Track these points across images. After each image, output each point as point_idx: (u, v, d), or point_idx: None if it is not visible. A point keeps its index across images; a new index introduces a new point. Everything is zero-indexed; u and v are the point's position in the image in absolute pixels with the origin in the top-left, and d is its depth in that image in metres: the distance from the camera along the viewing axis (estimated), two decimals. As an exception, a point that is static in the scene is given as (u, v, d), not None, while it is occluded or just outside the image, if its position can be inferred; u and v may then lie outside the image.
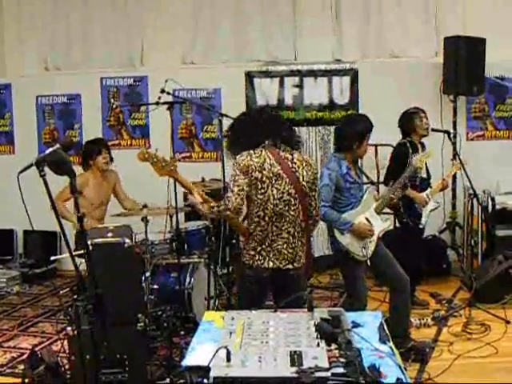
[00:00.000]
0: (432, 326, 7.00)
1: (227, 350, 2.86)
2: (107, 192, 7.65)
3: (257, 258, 4.64)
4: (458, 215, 9.51)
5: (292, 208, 4.60)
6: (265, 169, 4.50)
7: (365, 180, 6.24)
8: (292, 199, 4.58)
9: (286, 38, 9.86)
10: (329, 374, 2.71)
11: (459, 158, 7.52)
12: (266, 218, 4.58)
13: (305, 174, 4.66)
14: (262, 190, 4.52)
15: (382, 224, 6.12)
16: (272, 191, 4.52)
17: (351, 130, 5.87)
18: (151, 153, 4.84)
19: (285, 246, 4.63)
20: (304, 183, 4.65)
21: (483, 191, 8.90)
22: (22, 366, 5.95)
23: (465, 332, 6.76)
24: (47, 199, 3.50)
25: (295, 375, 2.70)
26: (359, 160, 6.14)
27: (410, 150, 7.11)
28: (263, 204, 4.54)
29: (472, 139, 9.87)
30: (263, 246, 4.62)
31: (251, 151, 4.56)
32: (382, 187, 7.66)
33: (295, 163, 4.65)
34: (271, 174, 4.52)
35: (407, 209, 7.24)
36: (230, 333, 3.23)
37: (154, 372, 5.73)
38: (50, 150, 3.55)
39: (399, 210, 7.40)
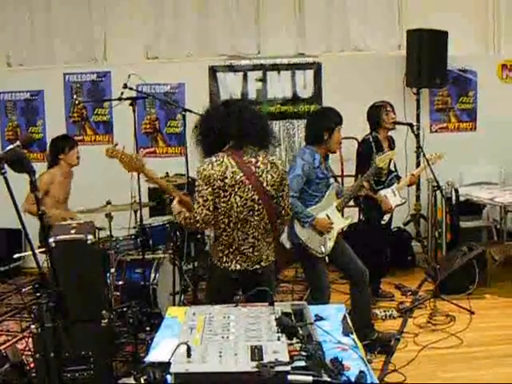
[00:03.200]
0: (397, 318, 7.06)
1: (187, 345, 2.86)
2: (69, 188, 7.60)
3: (224, 260, 4.62)
4: (422, 207, 9.58)
5: (256, 213, 4.55)
6: (227, 177, 4.43)
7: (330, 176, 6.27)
8: (256, 205, 4.52)
9: (250, 33, 9.87)
10: (289, 368, 2.72)
11: (424, 154, 7.50)
12: (231, 225, 4.54)
13: (269, 177, 4.56)
14: (225, 199, 4.46)
15: (342, 222, 6.16)
16: (235, 199, 4.46)
17: (320, 123, 5.91)
18: (119, 150, 4.81)
19: (251, 249, 4.60)
20: (269, 188, 4.56)
21: (447, 183, 8.98)
22: (-14, 365, 5.91)
23: (430, 323, 6.83)
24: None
25: (256, 370, 2.70)
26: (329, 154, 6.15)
27: (374, 146, 7.15)
28: (227, 212, 4.49)
29: (435, 131, 9.96)
30: (230, 250, 4.60)
31: (213, 158, 4.47)
32: (346, 182, 7.70)
33: (259, 167, 4.55)
34: (233, 182, 4.44)
35: (370, 206, 7.26)
36: (191, 328, 3.22)
37: (119, 368, 5.73)
38: (9, 147, 3.53)
39: (361, 207, 7.45)
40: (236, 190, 4.46)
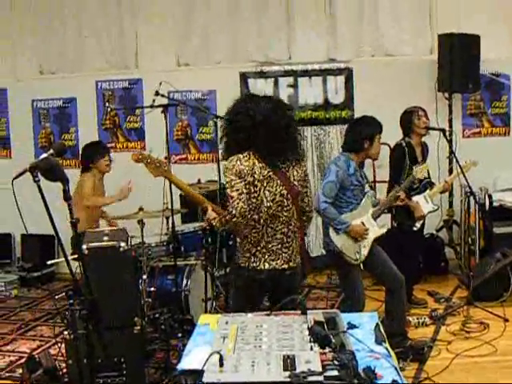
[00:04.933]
0: (430, 325, 7.01)
1: (220, 355, 2.86)
2: (103, 193, 7.66)
3: (252, 260, 4.60)
4: (455, 213, 9.50)
5: (285, 209, 4.56)
6: (255, 172, 4.44)
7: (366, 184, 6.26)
8: (285, 200, 4.54)
9: (280, 38, 9.85)
10: (321, 377, 2.71)
11: (457, 160, 7.43)
12: (261, 221, 4.53)
13: (295, 173, 4.61)
14: (255, 194, 4.46)
15: (377, 230, 6.14)
16: (264, 194, 4.47)
17: (360, 131, 5.94)
18: (145, 154, 4.83)
19: (280, 246, 4.59)
20: (295, 182, 4.61)
21: (480, 188, 8.89)
22: (20, 370, 5.96)
23: (463, 331, 6.76)
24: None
25: (288, 380, 2.70)
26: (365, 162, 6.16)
27: (406, 151, 7.12)
28: (257, 207, 4.49)
29: (468, 136, 9.86)
30: (258, 248, 4.58)
31: (240, 155, 4.48)
32: (378, 188, 7.67)
33: (284, 163, 4.59)
34: (262, 177, 4.45)
35: (403, 212, 7.22)
36: (224, 337, 3.22)
37: (151, 375, 5.74)
38: (43, 156, 3.55)
39: (393, 213, 7.42)
40: (265, 184, 4.47)
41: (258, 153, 4.49)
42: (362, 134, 5.93)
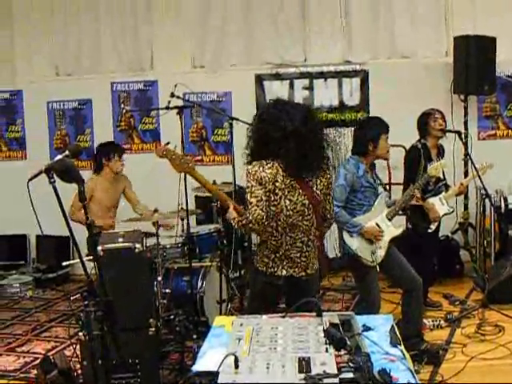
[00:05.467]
0: (445, 328, 6.98)
1: (235, 356, 2.86)
2: (116, 195, 7.67)
3: (270, 265, 4.59)
4: (470, 216, 9.47)
5: (306, 218, 4.53)
6: (277, 180, 4.40)
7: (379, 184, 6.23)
8: (306, 209, 4.51)
9: (296, 41, 9.86)
10: (337, 380, 2.71)
11: (472, 162, 7.39)
12: (280, 229, 4.51)
13: (319, 182, 4.58)
14: (275, 202, 4.43)
15: (393, 230, 6.09)
16: (285, 203, 4.44)
17: (364, 133, 5.92)
18: (170, 149, 4.79)
19: (298, 254, 4.57)
20: (318, 192, 4.58)
21: (495, 191, 8.86)
22: (35, 371, 5.98)
23: (478, 333, 6.72)
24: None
25: (303, 382, 2.70)
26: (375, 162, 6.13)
27: (422, 153, 7.10)
28: (276, 216, 4.46)
29: (483, 139, 9.82)
30: (277, 255, 4.57)
31: (263, 161, 4.44)
32: (393, 190, 7.64)
33: (309, 172, 4.56)
34: (284, 186, 4.42)
35: (417, 214, 7.19)
36: (239, 339, 3.22)
37: (166, 376, 5.74)
38: (58, 157, 3.57)
39: (408, 214, 7.39)
40: (286, 193, 4.45)
41: (283, 162, 4.45)
42: (366, 137, 5.89)
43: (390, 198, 6.33)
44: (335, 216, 5.64)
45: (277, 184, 4.41)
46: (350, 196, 5.83)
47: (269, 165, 4.44)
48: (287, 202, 4.45)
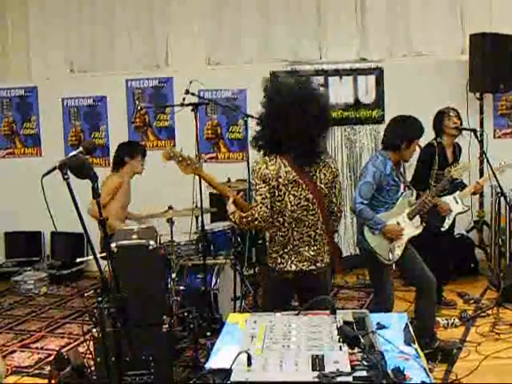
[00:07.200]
0: (459, 326, 6.96)
1: (248, 354, 2.86)
2: (130, 196, 7.63)
3: (279, 261, 4.61)
4: (485, 214, 9.43)
5: (310, 213, 4.55)
6: (280, 176, 4.44)
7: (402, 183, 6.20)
8: (310, 204, 4.53)
9: (311, 38, 9.85)
10: (350, 378, 2.70)
11: (488, 160, 7.34)
12: (286, 224, 4.54)
13: (322, 176, 4.57)
14: (279, 198, 4.47)
15: (413, 229, 6.07)
16: (289, 198, 4.47)
17: (404, 130, 5.87)
18: (176, 151, 4.79)
19: (307, 248, 4.59)
20: (322, 185, 4.58)
21: (511, 190, 8.81)
22: (48, 368, 5.99)
23: (493, 332, 6.70)
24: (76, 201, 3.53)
25: (316, 380, 2.69)
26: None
27: (436, 151, 7.06)
28: (281, 211, 4.50)
29: (499, 137, 9.78)
30: (285, 250, 4.59)
31: (266, 158, 4.50)
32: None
33: (312, 166, 4.58)
34: (287, 181, 4.45)
35: (430, 212, 7.14)
36: (252, 336, 3.22)
37: (179, 373, 5.75)
38: (72, 153, 3.57)
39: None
40: (290, 189, 4.48)
41: (287, 155, 4.48)
42: (404, 134, 5.84)
43: (416, 197, 6.24)
44: (359, 213, 5.64)
45: (280, 180, 4.45)
46: (374, 193, 5.80)
47: (272, 161, 4.49)
48: (291, 197, 4.49)
